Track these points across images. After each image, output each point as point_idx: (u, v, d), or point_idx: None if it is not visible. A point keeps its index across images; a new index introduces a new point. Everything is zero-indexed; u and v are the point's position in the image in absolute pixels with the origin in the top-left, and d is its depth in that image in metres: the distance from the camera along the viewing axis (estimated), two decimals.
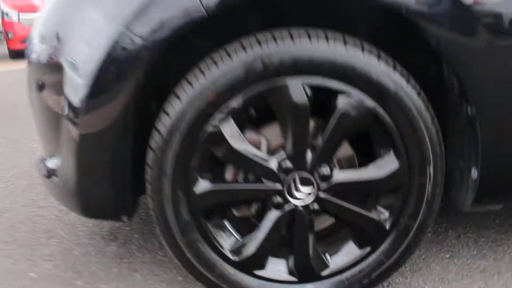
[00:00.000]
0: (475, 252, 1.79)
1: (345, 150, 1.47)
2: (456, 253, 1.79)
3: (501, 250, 1.80)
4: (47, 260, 1.83)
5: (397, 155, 1.35)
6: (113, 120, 1.31)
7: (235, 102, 1.28)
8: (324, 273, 1.46)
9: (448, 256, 1.78)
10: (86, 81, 1.28)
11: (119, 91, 1.28)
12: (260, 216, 1.45)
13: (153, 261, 1.79)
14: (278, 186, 1.36)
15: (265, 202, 1.40)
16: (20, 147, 3.42)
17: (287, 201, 1.38)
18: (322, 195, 1.37)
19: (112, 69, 1.27)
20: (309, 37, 1.26)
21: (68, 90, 1.34)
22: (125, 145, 1.38)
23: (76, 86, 1.31)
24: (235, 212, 1.47)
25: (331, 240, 1.55)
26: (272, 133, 1.40)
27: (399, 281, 1.64)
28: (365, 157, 1.44)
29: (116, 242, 1.94)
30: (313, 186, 1.36)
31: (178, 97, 1.28)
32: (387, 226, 1.42)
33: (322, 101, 1.33)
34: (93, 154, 1.37)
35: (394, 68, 1.29)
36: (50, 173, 1.54)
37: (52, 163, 1.54)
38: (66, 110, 1.36)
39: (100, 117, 1.32)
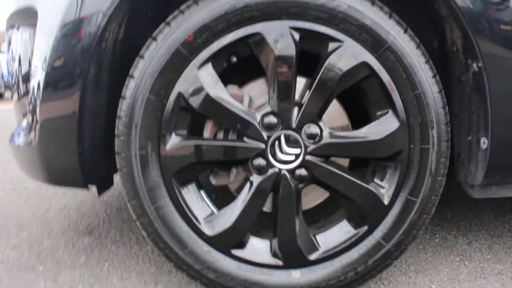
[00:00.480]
0: (489, 257, 1.57)
1: (340, 119, 1.33)
2: (467, 257, 1.57)
3: None
4: (11, 248, 1.66)
5: (395, 114, 1.20)
6: (78, 81, 1.21)
7: (216, 46, 1.16)
8: (313, 257, 1.27)
9: (458, 259, 1.56)
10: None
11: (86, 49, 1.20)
12: (240, 188, 1.28)
13: (126, 254, 1.61)
14: (261, 145, 1.20)
15: (246, 166, 1.24)
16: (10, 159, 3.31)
17: (270, 165, 1.22)
18: (310, 158, 1.21)
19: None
20: None
21: (37, 45, 1.26)
22: (95, 108, 1.27)
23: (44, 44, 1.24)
24: (213, 180, 1.30)
25: (322, 223, 1.37)
26: (257, 91, 1.27)
27: (402, 280, 1.42)
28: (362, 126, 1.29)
29: (90, 236, 1.77)
30: (300, 147, 1.21)
31: (154, 39, 1.17)
32: (386, 201, 1.24)
33: (313, 57, 1.22)
34: (58, 115, 1.25)
35: (390, 16, 1.18)
36: (17, 138, 1.42)
37: (21, 126, 1.42)
38: (31, 69, 1.27)
39: (65, 77, 1.22)
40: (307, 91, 1.20)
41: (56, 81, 1.23)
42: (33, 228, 1.87)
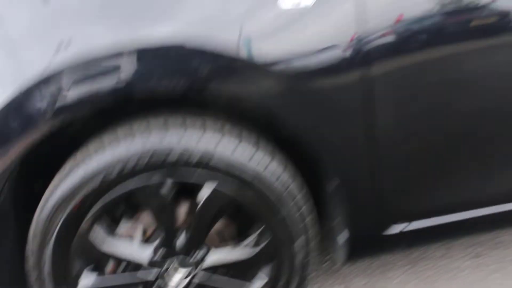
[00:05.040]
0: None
1: (228, 230, 1.49)
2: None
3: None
4: None
5: (266, 233, 1.40)
6: None
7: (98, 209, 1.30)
8: None
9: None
10: None
11: None
12: None
13: None
14: (153, 275, 1.40)
15: None
16: None
17: None
18: (200, 273, 1.42)
19: None
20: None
21: None
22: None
23: None
24: None
25: None
26: (148, 218, 1.41)
27: None
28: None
29: None
30: (191, 267, 1.41)
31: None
32: None
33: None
34: None
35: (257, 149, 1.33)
36: None
37: None
38: None
39: None
40: (190, 217, 1.38)
41: None
42: None
